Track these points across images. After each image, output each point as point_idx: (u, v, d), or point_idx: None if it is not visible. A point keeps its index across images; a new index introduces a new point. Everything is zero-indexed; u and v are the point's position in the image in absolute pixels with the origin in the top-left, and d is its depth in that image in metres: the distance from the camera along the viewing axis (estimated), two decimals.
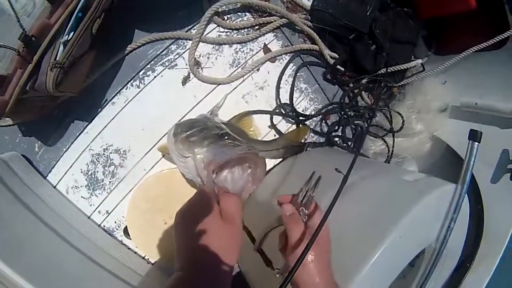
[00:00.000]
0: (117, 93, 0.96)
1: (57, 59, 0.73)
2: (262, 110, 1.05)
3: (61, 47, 0.74)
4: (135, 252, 1.01)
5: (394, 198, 0.78)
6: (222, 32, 1.02)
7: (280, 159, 1.07)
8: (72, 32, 0.74)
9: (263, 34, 1.04)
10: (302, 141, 1.09)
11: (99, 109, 0.96)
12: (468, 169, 0.81)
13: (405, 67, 1.15)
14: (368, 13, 1.07)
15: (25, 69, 0.71)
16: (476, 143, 0.84)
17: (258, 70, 1.05)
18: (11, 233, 0.77)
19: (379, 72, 1.15)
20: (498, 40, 0.93)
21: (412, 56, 1.21)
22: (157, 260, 1.00)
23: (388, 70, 1.15)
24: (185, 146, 0.73)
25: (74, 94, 0.86)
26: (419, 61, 1.16)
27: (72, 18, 0.73)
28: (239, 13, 1.03)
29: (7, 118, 0.88)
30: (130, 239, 0.98)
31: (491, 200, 1.05)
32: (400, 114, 1.16)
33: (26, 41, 0.68)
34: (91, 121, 0.95)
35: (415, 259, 0.86)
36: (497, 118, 1.06)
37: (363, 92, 1.19)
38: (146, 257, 1.01)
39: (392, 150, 1.18)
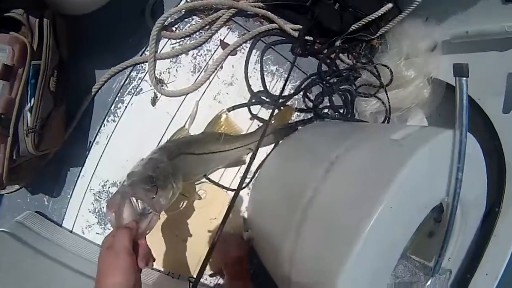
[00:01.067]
0: (97, 132, 1.00)
1: (28, 125, 0.79)
2: (237, 105, 1.04)
3: (28, 114, 0.80)
4: (158, 270, 1.06)
5: (380, 164, 0.73)
6: (175, 43, 1.01)
7: (273, 144, 1.06)
8: (33, 98, 0.80)
9: (216, 31, 1.02)
10: (289, 121, 1.06)
11: (87, 152, 1.01)
12: (463, 110, 0.72)
13: (377, 15, 1.06)
14: None
15: (6, 143, 0.78)
16: (464, 78, 0.75)
17: (221, 68, 1.03)
18: (38, 283, 0.85)
19: (351, 29, 1.08)
20: None
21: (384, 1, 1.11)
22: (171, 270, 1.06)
23: (360, 24, 1.07)
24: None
25: (57, 148, 0.93)
26: (390, 5, 1.06)
27: (29, 86, 0.79)
28: (185, 20, 1.01)
29: (14, 186, 0.98)
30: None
31: (508, 132, 0.94)
32: (386, 66, 1.08)
33: None
34: (83, 165, 1.01)
35: (440, 215, 0.81)
36: (494, 41, 0.95)
37: (340, 54, 1.12)
38: (164, 271, 1.06)
39: (389, 105, 1.10)
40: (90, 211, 1.03)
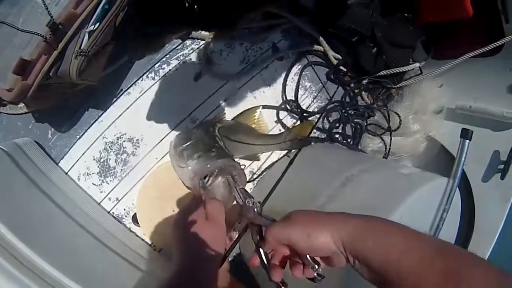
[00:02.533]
0: (132, 83, 1.00)
1: (82, 47, 0.77)
2: (269, 105, 1.10)
3: (86, 36, 0.77)
4: (143, 240, 1.04)
5: (391, 188, 0.84)
6: None
7: (286, 151, 1.13)
8: (98, 23, 0.78)
9: (273, 33, 1.10)
10: (306, 135, 1.15)
11: (114, 99, 0.99)
12: (460, 164, 0.88)
13: (404, 70, 1.21)
14: (371, 18, 1.14)
15: (49, 55, 0.74)
16: (467, 140, 0.91)
17: (266, 67, 1.10)
18: (28, 215, 0.80)
19: (379, 73, 1.22)
20: (492, 47, 1.00)
21: (411, 60, 1.28)
22: (163, 247, 1.04)
23: (388, 72, 1.22)
24: (181, 158, 0.83)
25: (93, 83, 0.90)
26: (417, 64, 1.23)
27: (98, 9, 0.77)
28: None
29: (21, 105, 0.92)
30: (139, 226, 1.02)
31: (482, 197, 1.12)
32: (397, 114, 1.23)
33: (54, 28, 0.71)
34: (105, 110, 0.99)
35: None
36: (490, 121, 1.13)
37: (363, 92, 1.25)
38: (152, 244, 1.04)
39: (389, 148, 1.24)
40: (94, 159, 1.00)
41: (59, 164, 0.98)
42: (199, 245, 0.58)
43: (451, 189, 0.85)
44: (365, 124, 1.25)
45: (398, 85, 1.26)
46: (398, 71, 1.21)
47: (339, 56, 1.18)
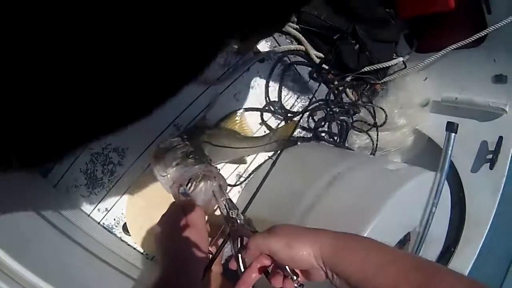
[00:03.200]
0: None
1: None
2: (251, 108, 1.11)
3: None
4: (134, 248, 1.05)
5: (378, 185, 0.85)
6: None
7: (272, 152, 1.13)
8: None
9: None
10: (292, 135, 1.15)
11: None
12: (446, 158, 0.88)
13: (387, 65, 1.22)
14: (351, 15, 1.14)
15: None
16: (453, 133, 0.91)
17: (248, 70, 1.10)
18: (17, 231, 0.80)
19: (363, 70, 1.22)
20: (476, 38, 1.01)
21: (394, 54, 1.28)
22: (155, 255, 1.04)
23: (371, 68, 1.21)
24: (161, 166, 0.84)
25: None
26: (400, 59, 1.23)
27: None
28: None
29: None
30: (130, 235, 1.03)
31: (472, 188, 1.13)
32: (383, 110, 1.23)
33: None
34: None
35: (402, 245, 0.93)
36: (476, 112, 1.14)
37: (347, 89, 1.25)
38: (144, 252, 1.05)
39: (377, 144, 1.25)
40: (81, 171, 1.00)
41: (47, 178, 0.99)
42: (181, 251, 0.61)
43: (439, 183, 0.86)
44: (351, 121, 1.26)
45: (382, 81, 1.27)
46: (381, 66, 1.21)
47: (321, 55, 1.18)
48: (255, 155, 1.12)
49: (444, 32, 1.20)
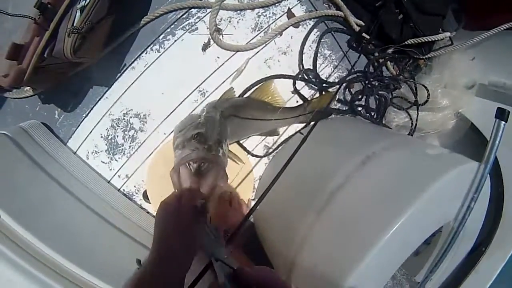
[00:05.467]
0: (136, 57, 0.95)
1: (74, 24, 0.72)
2: (284, 75, 1.03)
3: (78, 13, 0.73)
4: (154, 216, 1.01)
5: (416, 171, 0.76)
6: None
7: (304, 124, 1.06)
8: None
9: None
10: (325, 107, 1.07)
11: (119, 75, 0.94)
12: (493, 148, 0.79)
13: (433, 39, 1.10)
14: None
15: (42, 36, 0.71)
16: (503, 122, 0.80)
17: (281, 35, 1.02)
18: (29, 198, 0.77)
19: (406, 42, 1.10)
20: None
21: (440, 29, 1.16)
22: None
23: (415, 41, 1.10)
24: (175, 146, 0.78)
25: (93, 60, 0.86)
26: (448, 34, 1.11)
27: None
28: None
29: (27, 88, 0.89)
30: (150, 203, 0.99)
31: None
32: (425, 87, 1.12)
33: (42, 8, 0.68)
34: (110, 87, 0.94)
35: (431, 237, 0.84)
36: None
37: (388, 62, 1.15)
38: None
39: (416, 124, 1.14)
40: (102, 137, 0.96)
41: (67, 144, 0.96)
42: (172, 237, 0.58)
43: (482, 176, 0.76)
44: (390, 97, 1.15)
45: (426, 56, 1.15)
46: (426, 40, 1.10)
47: (361, 23, 1.08)
48: (287, 126, 1.05)
49: (496, 10, 1.08)
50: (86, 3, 0.73)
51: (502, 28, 0.95)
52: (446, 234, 0.81)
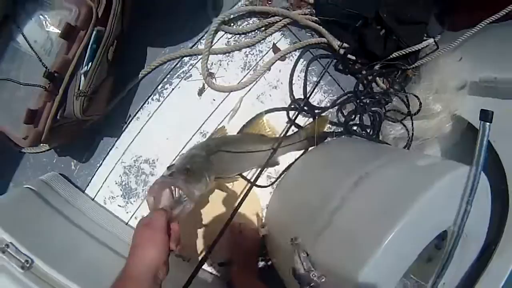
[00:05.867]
0: (140, 108, 1.03)
1: (80, 88, 0.81)
2: (276, 108, 1.09)
3: (82, 78, 0.81)
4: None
5: (406, 185, 0.80)
6: (231, 38, 1.05)
7: (303, 151, 1.11)
8: (90, 63, 0.81)
9: (270, 34, 1.07)
10: (321, 132, 1.12)
11: (125, 125, 1.03)
12: (481, 150, 0.80)
13: (417, 48, 1.13)
14: None
15: (53, 101, 0.79)
16: (488, 123, 0.83)
17: (269, 70, 1.08)
18: (56, 243, 0.85)
19: (391, 56, 1.14)
20: (510, 9, 0.90)
21: (425, 36, 1.19)
22: (191, 257, 1.07)
23: (400, 53, 1.14)
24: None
25: (101, 115, 0.95)
26: (431, 40, 1.14)
27: (88, 50, 0.80)
28: (244, 18, 1.06)
29: (43, 144, 0.99)
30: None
31: None
32: (416, 96, 1.15)
33: (50, 77, 0.75)
34: (119, 137, 1.03)
35: (441, 242, 0.88)
36: None
37: (377, 78, 1.18)
38: (182, 256, 1.08)
39: (412, 133, 1.18)
40: (116, 183, 1.05)
41: (85, 191, 1.05)
42: (134, 249, 0.61)
43: (474, 178, 0.79)
44: (384, 111, 1.19)
45: (413, 65, 1.18)
46: (411, 50, 1.13)
47: (345, 45, 1.12)
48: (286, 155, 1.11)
49: (477, 7, 1.08)
50: (88, 68, 0.82)
51: (483, 24, 0.97)
52: (449, 239, 0.84)
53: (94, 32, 0.80)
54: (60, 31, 0.75)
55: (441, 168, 0.82)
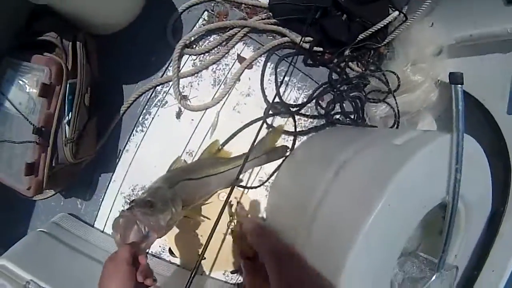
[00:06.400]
0: (127, 141, 1.11)
1: (67, 136, 0.90)
2: (253, 120, 1.13)
3: (67, 127, 0.90)
4: (183, 267, 1.15)
5: (381, 167, 0.80)
6: (196, 59, 1.11)
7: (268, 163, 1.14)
8: (70, 112, 0.90)
9: (233, 47, 1.11)
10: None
11: (118, 159, 1.12)
12: (459, 115, 0.78)
13: (383, 24, 1.12)
14: None
15: (46, 152, 0.88)
16: (459, 85, 0.81)
17: (239, 80, 1.12)
18: (74, 277, 0.94)
19: (358, 39, 1.14)
20: None
21: (391, 9, 1.17)
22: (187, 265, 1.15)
23: (366, 34, 1.13)
24: None
25: (92, 155, 1.04)
26: (395, 13, 1.12)
27: (66, 101, 0.89)
28: (204, 37, 1.11)
29: (48, 190, 1.09)
30: (176, 256, 1.14)
31: None
32: (393, 72, 1.14)
33: (39, 132, 0.85)
34: (114, 171, 1.12)
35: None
36: (497, 43, 0.99)
37: (350, 63, 1.18)
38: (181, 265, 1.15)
39: (398, 110, 1.16)
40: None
41: (94, 225, 1.14)
42: (101, 280, 0.66)
43: (458, 144, 0.76)
44: (364, 94, 1.18)
45: (384, 43, 1.17)
46: (377, 28, 1.12)
47: (309, 39, 1.14)
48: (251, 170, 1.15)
49: None
50: (70, 118, 0.91)
51: None
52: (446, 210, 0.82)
53: (68, 85, 0.89)
54: (38, 91, 0.84)
55: (419, 142, 0.81)
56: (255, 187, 1.14)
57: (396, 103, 1.16)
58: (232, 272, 1.16)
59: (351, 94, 1.17)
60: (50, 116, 0.87)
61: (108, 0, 0.93)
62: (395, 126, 1.17)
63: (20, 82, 0.88)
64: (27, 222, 1.12)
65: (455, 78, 0.81)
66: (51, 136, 0.88)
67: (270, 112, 1.12)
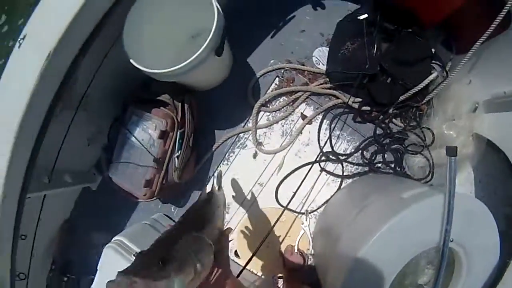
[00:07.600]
0: (215, 170, 1.52)
1: (176, 166, 1.32)
2: (307, 163, 1.45)
3: (176, 159, 1.32)
4: (249, 269, 1.48)
5: (384, 214, 0.95)
6: (269, 115, 1.48)
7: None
8: (179, 150, 1.32)
9: (298, 106, 1.45)
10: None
11: (207, 182, 1.53)
12: (452, 181, 0.91)
13: (421, 87, 1.28)
14: (374, 53, 1.27)
15: (160, 174, 1.29)
16: (453, 158, 0.93)
17: (301, 133, 1.46)
18: None
19: (400, 99, 1.35)
20: (499, 21, 0.95)
21: (439, 65, 1.34)
22: (259, 271, 1.47)
23: (407, 95, 1.33)
24: None
25: (191, 177, 1.47)
26: (434, 75, 1.29)
27: (176, 143, 1.31)
28: (275, 99, 1.48)
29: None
30: (239, 258, 1.47)
31: None
32: (428, 129, 1.35)
33: (157, 161, 1.27)
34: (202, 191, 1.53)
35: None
36: None
37: (394, 119, 1.42)
38: (252, 271, 1.48)
39: (432, 162, 1.36)
40: None
41: None
42: None
43: (449, 203, 0.90)
44: (404, 146, 1.41)
45: (424, 101, 1.36)
46: (416, 90, 1.29)
47: (359, 99, 1.41)
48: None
49: (474, 24, 1.13)
50: (179, 154, 1.33)
51: (478, 43, 1.02)
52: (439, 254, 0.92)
53: (179, 133, 1.32)
54: (157, 134, 1.24)
55: (417, 198, 0.97)
56: (299, 213, 1.44)
57: (431, 156, 1.37)
58: (279, 277, 1.42)
59: (392, 146, 1.41)
60: (165, 152, 1.28)
61: (210, 74, 1.35)
62: (430, 176, 1.38)
63: (144, 125, 1.24)
64: (129, 216, 1.54)
65: (451, 151, 0.92)
66: (165, 164, 1.29)
67: (323, 158, 1.44)
